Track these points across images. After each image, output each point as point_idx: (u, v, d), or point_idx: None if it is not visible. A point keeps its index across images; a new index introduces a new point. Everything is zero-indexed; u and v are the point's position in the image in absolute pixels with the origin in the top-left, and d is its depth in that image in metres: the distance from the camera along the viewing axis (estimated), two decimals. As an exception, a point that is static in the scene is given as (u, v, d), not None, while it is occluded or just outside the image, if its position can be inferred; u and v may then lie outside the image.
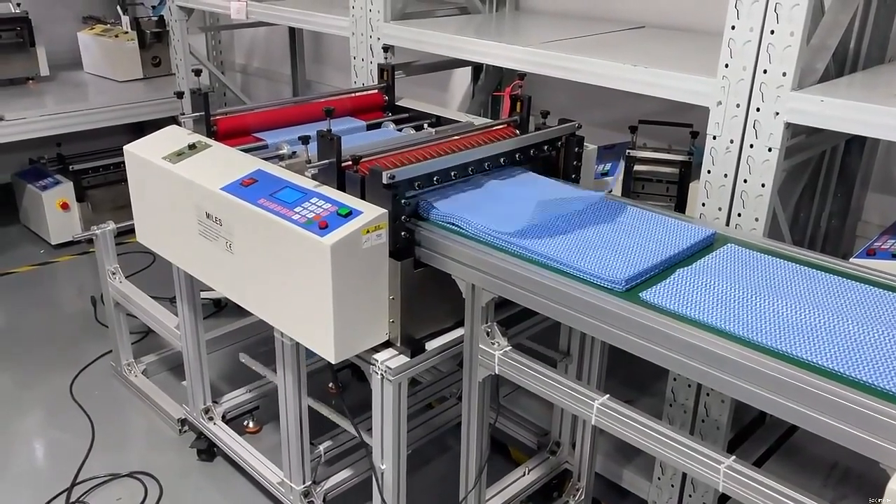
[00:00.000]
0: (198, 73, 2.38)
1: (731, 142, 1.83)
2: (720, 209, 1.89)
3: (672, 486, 2.16)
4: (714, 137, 1.87)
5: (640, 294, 1.46)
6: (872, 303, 1.43)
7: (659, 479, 2.19)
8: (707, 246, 1.68)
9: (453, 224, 1.75)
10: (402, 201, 1.75)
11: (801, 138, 1.92)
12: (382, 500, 1.93)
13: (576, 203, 1.82)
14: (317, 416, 2.19)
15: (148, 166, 2.16)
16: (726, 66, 1.80)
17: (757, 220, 1.83)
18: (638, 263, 1.54)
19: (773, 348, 1.28)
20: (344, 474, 2.30)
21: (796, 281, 1.51)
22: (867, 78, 2.04)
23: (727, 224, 1.89)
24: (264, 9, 3.26)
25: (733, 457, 1.39)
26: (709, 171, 1.90)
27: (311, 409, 2.15)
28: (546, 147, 2.07)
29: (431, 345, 1.87)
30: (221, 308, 3.50)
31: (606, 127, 2.85)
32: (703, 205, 1.93)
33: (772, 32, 1.71)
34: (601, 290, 1.48)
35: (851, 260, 1.72)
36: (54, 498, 2.51)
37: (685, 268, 1.56)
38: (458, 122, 2.39)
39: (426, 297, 1.83)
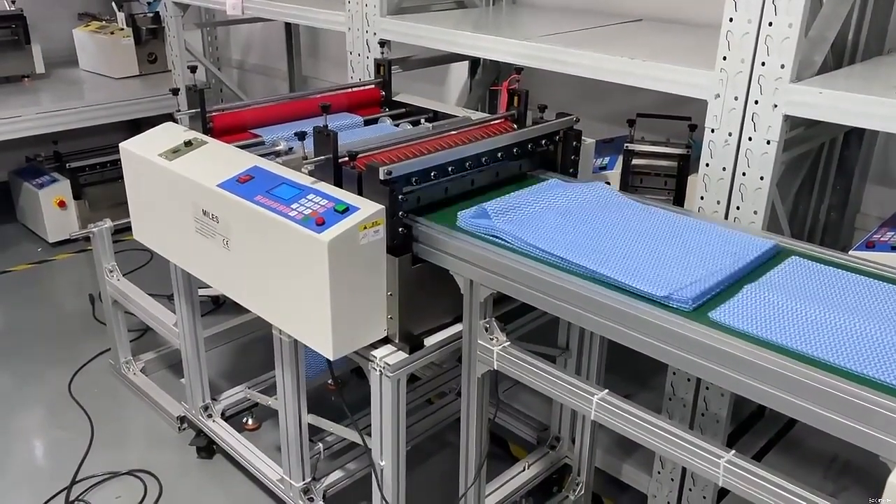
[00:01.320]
0: (193, 69, 2.37)
1: (730, 135, 1.83)
2: (718, 202, 1.89)
3: (672, 480, 2.16)
4: (712, 130, 1.86)
5: (708, 314, 1.35)
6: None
7: (659, 473, 2.18)
8: (770, 259, 1.58)
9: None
10: (400, 197, 1.74)
11: (799, 131, 1.91)
12: (382, 496, 1.93)
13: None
14: (316, 411, 2.18)
15: (144, 163, 2.15)
16: (724, 58, 1.79)
17: (756, 212, 1.83)
18: (702, 280, 1.42)
19: (869, 377, 1.18)
20: (343, 470, 2.30)
21: (867, 296, 1.42)
22: (866, 70, 2.03)
23: (726, 217, 1.88)
24: (260, 4, 3.24)
25: (733, 451, 1.38)
26: (707, 165, 1.89)
27: (311, 404, 2.14)
28: (544, 141, 2.07)
29: (430, 341, 1.87)
30: (220, 305, 3.50)
31: (604, 121, 2.84)
32: (702, 198, 1.92)
33: (770, 24, 1.70)
34: (665, 310, 1.38)
35: (851, 252, 1.72)
36: (54, 496, 2.50)
37: (752, 283, 1.45)
38: (455, 116, 2.38)
39: (424, 293, 1.82)
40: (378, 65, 2.58)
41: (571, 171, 2.11)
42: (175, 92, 2.33)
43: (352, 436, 2.09)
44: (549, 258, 1.57)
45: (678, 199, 2.19)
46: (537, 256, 1.58)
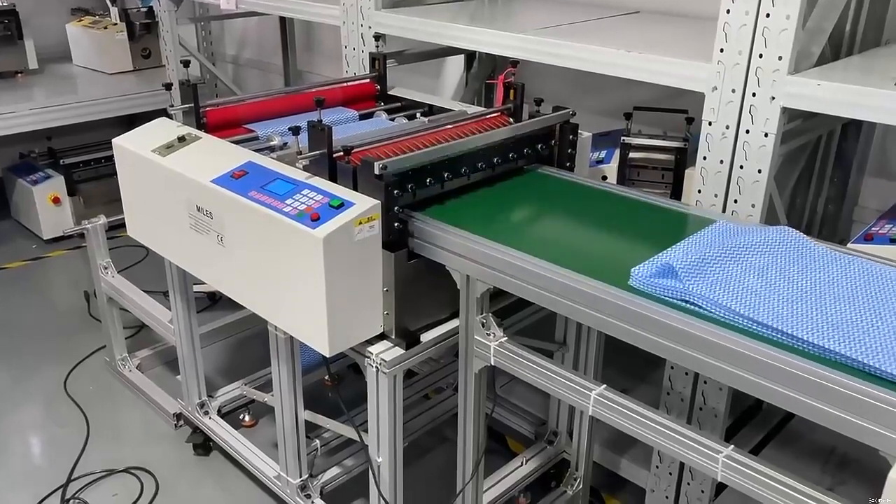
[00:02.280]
0: (186, 63, 2.35)
1: (727, 127, 1.81)
2: (716, 195, 1.88)
3: (670, 474, 2.15)
4: (710, 123, 1.85)
5: None
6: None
7: (657, 468, 2.18)
8: None
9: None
10: (396, 192, 1.72)
11: (797, 123, 1.90)
12: (379, 493, 1.92)
13: None
14: (313, 408, 2.18)
15: (137, 159, 2.14)
16: (721, 50, 1.78)
17: (753, 206, 1.82)
18: None
19: None
20: (341, 467, 2.30)
21: None
22: (863, 61, 2.02)
23: (723, 210, 1.87)
24: (254, -2, 3.22)
25: (732, 446, 1.38)
26: (705, 158, 1.88)
27: (308, 401, 2.13)
28: (540, 135, 2.05)
29: (426, 336, 1.86)
30: (216, 301, 3.48)
31: (601, 114, 2.83)
32: (699, 191, 1.91)
33: (767, 16, 1.69)
34: None
35: (849, 245, 1.71)
36: (50, 494, 2.49)
37: None
38: (451, 110, 2.36)
39: (420, 289, 1.81)
40: (373, 59, 2.56)
41: (568, 164, 2.10)
42: (168, 87, 2.32)
43: (348, 432, 2.08)
44: (774, 336, 1.28)
45: (675, 193, 2.19)
46: (756, 332, 1.30)
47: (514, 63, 2.16)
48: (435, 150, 1.84)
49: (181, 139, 2.07)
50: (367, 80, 2.55)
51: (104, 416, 2.88)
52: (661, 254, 1.48)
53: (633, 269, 1.46)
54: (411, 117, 2.36)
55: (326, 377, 2.77)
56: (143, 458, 2.66)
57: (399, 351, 1.79)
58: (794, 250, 1.53)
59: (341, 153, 1.78)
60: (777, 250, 1.52)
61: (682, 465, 2.12)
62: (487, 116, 2.10)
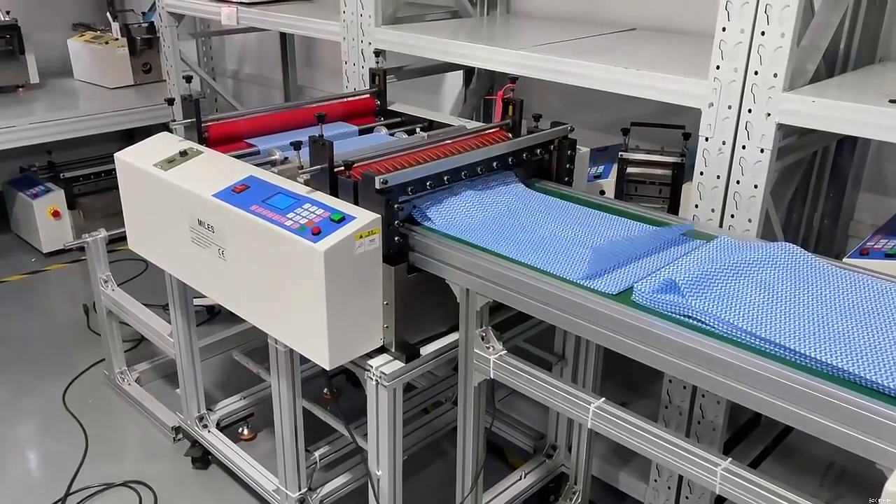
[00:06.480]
0: (188, 79, 2.37)
1: (724, 143, 1.84)
2: (713, 210, 1.90)
3: (669, 488, 2.15)
4: (706, 139, 1.87)
5: None
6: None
7: (655, 481, 2.18)
8: None
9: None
10: (395, 206, 1.74)
11: (792, 139, 1.92)
12: (379, 506, 1.92)
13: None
14: (312, 422, 2.18)
15: (139, 174, 2.15)
16: (717, 67, 1.81)
17: (750, 220, 1.84)
18: None
19: None
20: (340, 480, 2.29)
21: None
22: (857, 78, 2.05)
23: (720, 225, 1.89)
24: (255, 14, 3.25)
25: (730, 459, 1.39)
26: (701, 173, 1.90)
27: (307, 415, 2.14)
28: (539, 150, 2.08)
29: (426, 350, 1.87)
30: (215, 315, 3.49)
31: (599, 129, 2.85)
32: (696, 206, 1.93)
33: (762, 34, 1.71)
34: None
35: (845, 260, 1.72)
36: (48, 508, 2.49)
37: None
38: (450, 125, 2.38)
39: (420, 302, 1.83)
40: (373, 74, 2.59)
41: (567, 179, 2.11)
42: (171, 102, 2.33)
43: (347, 434, 2.07)
44: (776, 351, 1.29)
45: (673, 208, 2.21)
46: (758, 347, 1.31)
47: (514, 79, 2.18)
48: (435, 164, 1.86)
49: (183, 153, 2.08)
50: (367, 96, 2.57)
51: (102, 430, 2.87)
52: (664, 269, 1.50)
53: (636, 285, 1.47)
54: (411, 132, 2.38)
55: (325, 390, 2.78)
56: (142, 472, 2.65)
57: (399, 364, 1.80)
58: (796, 266, 1.54)
59: (342, 168, 1.80)
60: (779, 266, 1.53)
61: (680, 478, 2.13)
62: (486, 132, 2.12)
